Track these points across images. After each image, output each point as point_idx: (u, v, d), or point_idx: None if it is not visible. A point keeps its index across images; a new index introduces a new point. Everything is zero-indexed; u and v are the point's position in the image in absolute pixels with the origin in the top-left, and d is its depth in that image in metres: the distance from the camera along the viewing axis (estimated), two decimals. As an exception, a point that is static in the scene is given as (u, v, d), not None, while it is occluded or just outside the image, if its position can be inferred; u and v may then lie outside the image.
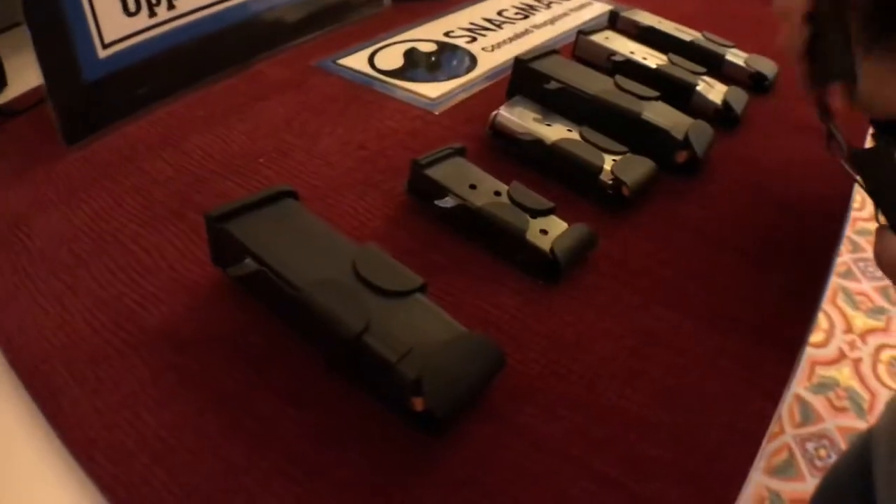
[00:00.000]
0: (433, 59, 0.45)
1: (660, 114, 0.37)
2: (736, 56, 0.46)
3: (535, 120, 0.36)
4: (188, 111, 0.40)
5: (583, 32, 0.43)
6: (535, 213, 0.30)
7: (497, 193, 0.31)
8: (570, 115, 0.36)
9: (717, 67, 0.45)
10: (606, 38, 0.44)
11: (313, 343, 0.27)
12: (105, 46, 0.38)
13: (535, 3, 0.53)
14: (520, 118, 0.36)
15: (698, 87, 0.41)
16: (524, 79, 0.38)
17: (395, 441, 0.24)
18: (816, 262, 0.33)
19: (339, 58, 0.44)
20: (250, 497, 0.23)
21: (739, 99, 0.42)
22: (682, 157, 0.36)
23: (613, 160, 0.34)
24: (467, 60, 0.45)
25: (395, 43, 0.46)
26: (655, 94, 0.38)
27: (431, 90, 0.41)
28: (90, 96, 0.39)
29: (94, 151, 0.37)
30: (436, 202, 0.30)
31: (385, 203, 0.33)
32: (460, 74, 0.43)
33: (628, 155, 0.34)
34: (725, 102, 0.40)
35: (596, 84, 0.37)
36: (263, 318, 0.28)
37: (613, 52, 0.42)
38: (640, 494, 0.23)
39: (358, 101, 0.41)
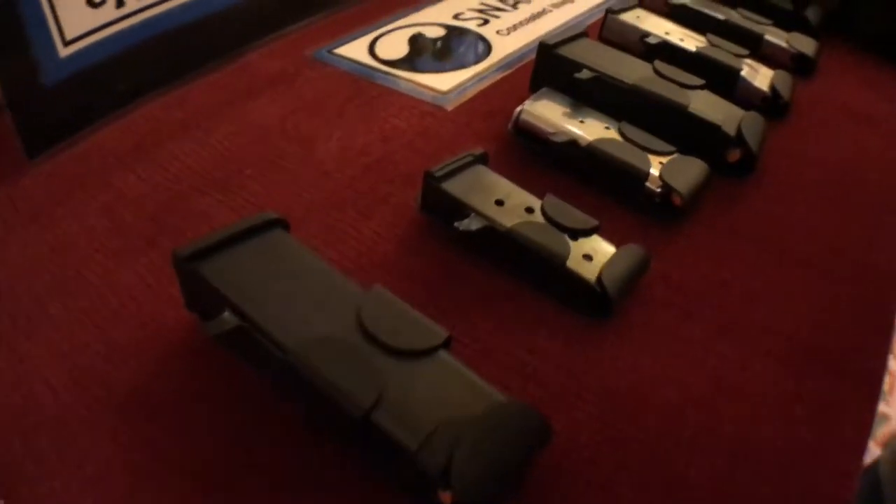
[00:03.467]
0: (441, 45, 0.37)
1: (708, 105, 0.29)
2: (775, 35, 0.38)
3: (566, 116, 0.28)
4: (165, 113, 0.32)
5: (611, 11, 0.36)
6: (577, 234, 0.23)
7: (529, 210, 0.24)
8: (606, 108, 0.29)
9: (755, 48, 0.37)
10: (637, 17, 0.36)
11: (313, 416, 0.20)
12: (67, 44, 0.30)
13: (551, -20, 0.46)
14: (549, 114, 0.28)
15: (743, 73, 0.33)
16: (551, 67, 0.30)
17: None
18: (891, 269, 0.27)
19: (337, 46, 0.36)
20: None
21: (787, 84, 0.34)
22: (734, 155, 0.29)
23: (661, 163, 0.27)
24: (480, 46, 0.37)
25: (397, 28, 0.38)
26: (700, 81, 0.30)
27: (441, 82, 0.34)
28: (52, 102, 0.31)
29: (59, 165, 0.29)
30: (455, 224, 0.23)
31: (395, 221, 0.26)
32: (473, 63, 0.35)
33: (677, 156, 0.27)
34: (773, 89, 0.33)
35: (634, 72, 0.30)
36: (253, 374, 0.21)
37: (647, 34, 0.35)
38: None
39: (359, 97, 0.33)
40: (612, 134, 0.28)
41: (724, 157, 0.29)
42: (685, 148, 0.28)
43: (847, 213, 0.29)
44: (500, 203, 0.24)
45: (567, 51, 0.30)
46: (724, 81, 0.33)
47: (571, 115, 0.29)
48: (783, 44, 0.38)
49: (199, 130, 0.31)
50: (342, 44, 0.37)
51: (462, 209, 0.24)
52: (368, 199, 0.27)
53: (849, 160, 0.32)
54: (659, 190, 0.26)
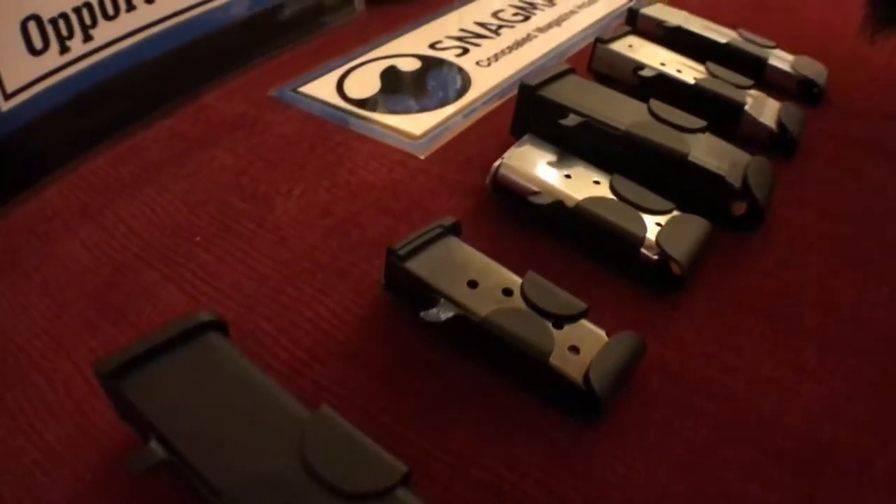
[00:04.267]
0: (416, 80, 0.34)
1: (710, 151, 0.26)
2: (780, 59, 0.35)
3: (551, 168, 0.25)
4: (115, 168, 0.29)
5: (601, 41, 0.32)
6: (562, 321, 0.20)
7: (507, 292, 0.20)
8: (597, 158, 0.26)
9: (759, 74, 0.34)
10: (630, 45, 0.32)
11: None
12: (8, 97, 0.27)
13: (538, 1, 0.41)
14: (531, 168, 0.25)
15: (747, 107, 0.30)
16: (533, 111, 0.27)
17: None
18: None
19: (303, 83, 0.33)
20: None
21: (795, 118, 0.30)
22: (740, 208, 0.25)
23: (657, 223, 0.23)
24: (458, 80, 0.33)
25: (370, 61, 0.35)
26: (701, 123, 0.27)
27: (415, 124, 0.30)
28: (-4, 160, 0.29)
29: (1, 231, 0.26)
30: (422, 315, 0.20)
31: (356, 299, 0.23)
32: (450, 100, 0.32)
33: (675, 214, 0.24)
34: (780, 124, 0.29)
35: (627, 115, 0.26)
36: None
37: (641, 65, 0.31)
38: None
39: (323, 145, 0.30)
40: (603, 190, 0.24)
41: (728, 210, 0.25)
42: (686, 200, 0.25)
43: (868, 275, 0.25)
44: (473, 285, 0.20)
45: (551, 92, 0.27)
46: (727, 117, 0.30)
47: (557, 168, 0.25)
48: (788, 69, 0.34)
49: (150, 187, 0.28)
50: (309, 80, 0.33)
51: (430, 293, 0.20)
52: (328, 272, 0.24)
53: (869, 208, 0.28)
54: (656, 257, 0.22)
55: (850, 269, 0.25)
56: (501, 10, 0.39)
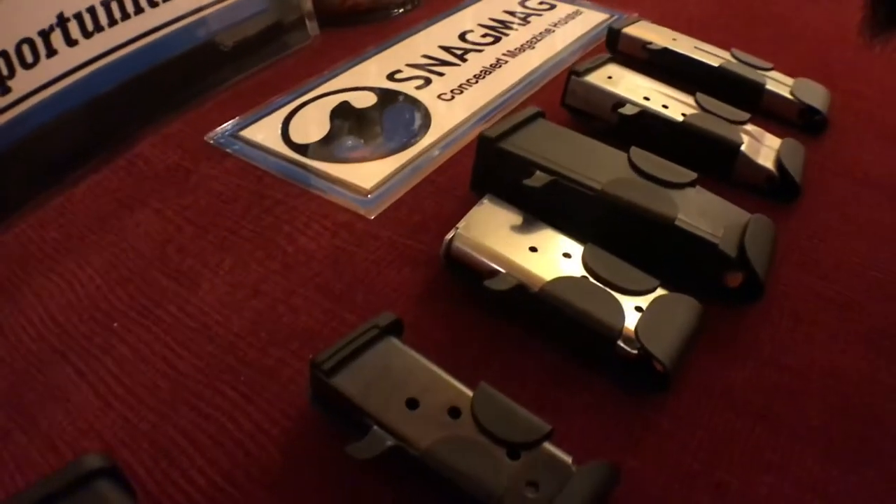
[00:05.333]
0: (370, 119, 0.29)
1: (701, 211, 0.22)
2: (778, 84, 0.30)
3: (514, 235, 0.21)
4: (38, 233, 0.25)
5: (576, 73, 0.27)
6: (518, 450, 0.16)
7: (454, 413, 0.16)
8: (567, 223, 0.22)
9: (755, 101, 0.30)
10: (609, 77, 0.28)
11: None
12: None
13: (509, 19, 0.37)
14: (489, 239, 0.21)
15: (743, 147, 0.26)
16: (495, 167, 0.23)
17: None
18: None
19: (243, 127, 0.29)
20: None
21: (797, 158, 0.27)
22: (735, 279, 0.21)
23: (637, 308, 0.19)
24: (417, 118, 0.29)
25: (320, 96, 0.30)
26: (690, 176, 0.23)
27: (365, 175, 0.26)
28: None
29: None
30: (347, 450, 0.16)
31: (284, 409, 0.19)
32: (407, 143, 0.28)
33: (660, 296, 0.20)
34: (780, 166, 0.25)
35: (604, 169, 0.22)
36: None
37: (621, 101, 0.27)
38: None
39: (260, 204, 0.26)
40: (574, 266, 0.20)
41: (722, 281, 0.21)
42: (673, 270, 0.21)
43: (881, 352, 0.21)
44: (413, 404, 0.17)
45: (515, 144, 0.23)
46: (720, 159, 0.26)
47: (521, 238, 0.21)
48: (788, 95, 0.30)
49: (71, 258, 0.24)
50: (251, 121, 0.29)
51: (361, 416, 0.17)
52: (254, 371, 0.20)
53: (881, 265, 0.24)
54: (635, 352, 0.19)
55: (860, 346, 0.21)
56: (470, 32, 0.35)
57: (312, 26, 0.35)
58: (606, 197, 0.22)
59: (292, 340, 0.21)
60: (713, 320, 0.21)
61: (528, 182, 0.21)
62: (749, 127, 0.27)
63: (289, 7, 0.35)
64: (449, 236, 0.21)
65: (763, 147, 0.27)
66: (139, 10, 0.29)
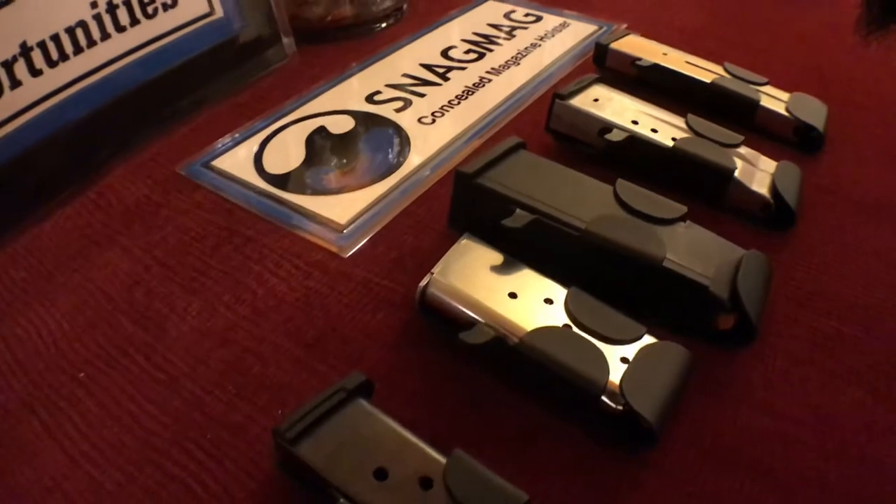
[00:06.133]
0: (347, 145, 0.28)
1: (691, 250, 0.20)
2: (773, 100, 0.29)
3: (492, 279, 0.20)
4: (6, 271, 0.24)
5: (560, 96, 0.26)
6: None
7: (425, 484, 0.15)
8: (549, 264, 0.20)
9: (749, 118, 0.29)
10: (595, 100, 0.26)
11: None
12: None
13: (494, 33, 0.35)
14: (466, 285, 0.19)
15: (737, 173, 0.24)
16: (472, 205, 0.22)
17: None
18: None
19: (215, 156, 0.27)
20: None
21: (793, 183, 0.25)
22: (727, 322, 0.20)
23: (623, 359, 0.18)
24: (396, 144, 0.28)
25: (296, 121, 0.29)
26: (681, 210, 0.21)
27: (340, 209, 0.25)
28: None
29: None
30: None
31: (250, 470, 0.18)
32: (385, 172, 0.26)
33: (647, 345, 0.18)
34: (775, 192, 0.24)
35: (588, 205, 0.21)
36: None
37: (608, 126, 0.25)
38: None
39: (230, 241, 0.24)
40: (556, 313, 0.19)
41: (713, 324, 0.20)
42: (662, 313, 0.20)
43: (878, 395, 0.19)
44: (381, 475, 0.15)
45: (494, 180, 0.21)
46: (713, 186, 0.25)
47: (500, 282, 0.20)
48: (783, 112, 0.28)
49: (39, 301, 0.23)
50: (224, 150, 0.28)
51: (326, 488, 0.15)
52: (221, 429, 0.19)
53: (879, 297, 0.22)
54: (620, 408, 0.17)
55: (856, 388, 0.20)
56: (453, 48, 0.34)
57: (289, 43, 0.33)
58: (591, 237, 0.20)
59: (261, 394, 0.19)
60: (704, 362, 0.20)
61: (507, 222, 0.20)
62: (743, 150, 0.26)
63: (263, 24, 0.33)
64: (424, 282, 0.20)
65: (758, 172, 0.25)
66: (105, 36, 0.28)
